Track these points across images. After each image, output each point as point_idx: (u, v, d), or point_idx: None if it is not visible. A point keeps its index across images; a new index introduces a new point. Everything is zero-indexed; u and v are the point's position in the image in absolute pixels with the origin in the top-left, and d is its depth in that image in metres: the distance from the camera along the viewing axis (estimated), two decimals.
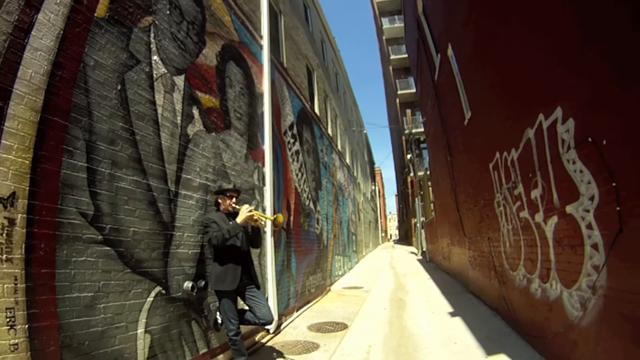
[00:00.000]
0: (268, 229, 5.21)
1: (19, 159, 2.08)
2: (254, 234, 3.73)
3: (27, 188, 2.12)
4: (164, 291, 3.13)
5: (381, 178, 56.72)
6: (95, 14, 2.71)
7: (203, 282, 3.62)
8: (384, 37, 33.63)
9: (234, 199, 3.66)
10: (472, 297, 6.86)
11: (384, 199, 60.54)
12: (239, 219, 3.39)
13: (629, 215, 2.20)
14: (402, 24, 17.12)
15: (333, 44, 15.54)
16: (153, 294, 3.00)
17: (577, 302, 2.95)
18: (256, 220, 3.56)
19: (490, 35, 4.49)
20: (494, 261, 5.48)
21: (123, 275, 2.72)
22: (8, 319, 1.93)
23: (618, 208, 2.30)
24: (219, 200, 3.67)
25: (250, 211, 3.43)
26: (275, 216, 3.69)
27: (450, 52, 6.69)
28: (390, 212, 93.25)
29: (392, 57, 31.35)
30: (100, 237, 2.56)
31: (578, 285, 2.92)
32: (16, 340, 1.95)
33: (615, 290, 2.42)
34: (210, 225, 3.43)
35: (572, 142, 2.81)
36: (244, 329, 4.34)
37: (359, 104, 23.62)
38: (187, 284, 3.40)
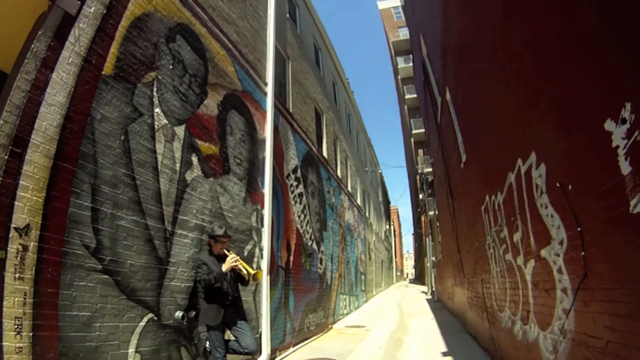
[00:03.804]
0: (265, 268, 5.43)
1: (34, 197, 2.47)
2: (241, 274, 3.97)
3: (40, 221, 2.49)
4: (155, 318, 3.39)
5: (397, 217, 55.73)
6: (103, 72, 3.12)
7: (194, 313, 3.86)
8: (399, 77, 34.10)
9: (224, 244, 3.98)
10: (469, 337, 6.80)
11: (400, 238, 59.25)
12: (224, 267, 3.70)
13: (592, 261, 2.21)
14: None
15: (346, 86, 15.82)
16: (145, 319, 3.28)
17: (550, 344, 2.96)
18: (240, 270, 3.85)
19: (475, 81, 4.76)
20: (485, 302, 5.50)
21: (119, 300, 3.02)
22: (16, 326, 2.28)
23: (583, 253, 2.30)
24: (211, 243, 3.98)
25: (236, 261, 3.76)
26: (256, 271, 3.95)
27: (448, 96, 6.99)
28: (407, 251, 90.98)
29: (407, 96, 31.52)
30: (100, 266, 2.89)
31: (551, 328, 2.93)
32: (21, 344, 2.29)
33: (581, 334, 2.43)
34: (201, 266, 3.72)
35: (544, 187, 2.83)
36: (235, 359, 4.49)
37: (379, 142, 23.70)
38: (178, 314, 3.66)
